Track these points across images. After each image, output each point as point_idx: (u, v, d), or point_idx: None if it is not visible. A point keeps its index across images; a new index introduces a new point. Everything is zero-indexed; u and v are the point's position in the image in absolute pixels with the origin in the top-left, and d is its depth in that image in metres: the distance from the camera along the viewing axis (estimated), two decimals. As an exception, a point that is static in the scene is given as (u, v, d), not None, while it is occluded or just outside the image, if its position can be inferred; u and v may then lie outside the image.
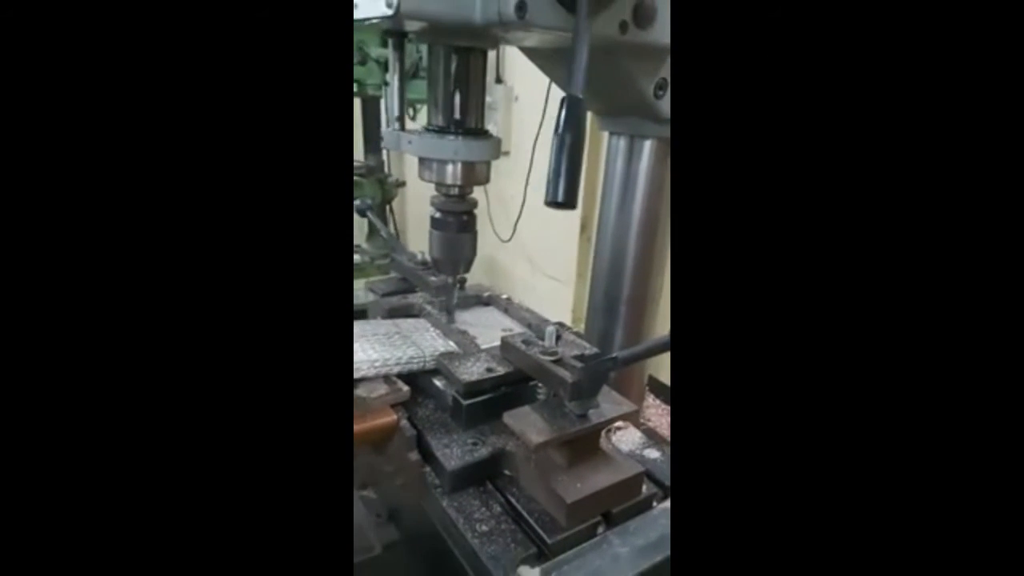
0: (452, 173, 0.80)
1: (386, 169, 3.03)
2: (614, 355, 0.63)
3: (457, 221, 0.85)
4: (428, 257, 1.10)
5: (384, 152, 3.03)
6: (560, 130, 0.58)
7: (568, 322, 2.34)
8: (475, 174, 0.81)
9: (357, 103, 2.86)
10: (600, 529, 0.68)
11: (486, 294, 1.07)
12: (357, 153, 2.95)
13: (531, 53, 1.02)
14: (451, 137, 0.78)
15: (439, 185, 0.83)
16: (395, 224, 3.19)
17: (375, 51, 2.52)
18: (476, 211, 0.88)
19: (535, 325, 0.95)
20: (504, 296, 1.07)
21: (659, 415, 1.91)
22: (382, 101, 2.94)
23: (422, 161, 0.81)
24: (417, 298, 1.02)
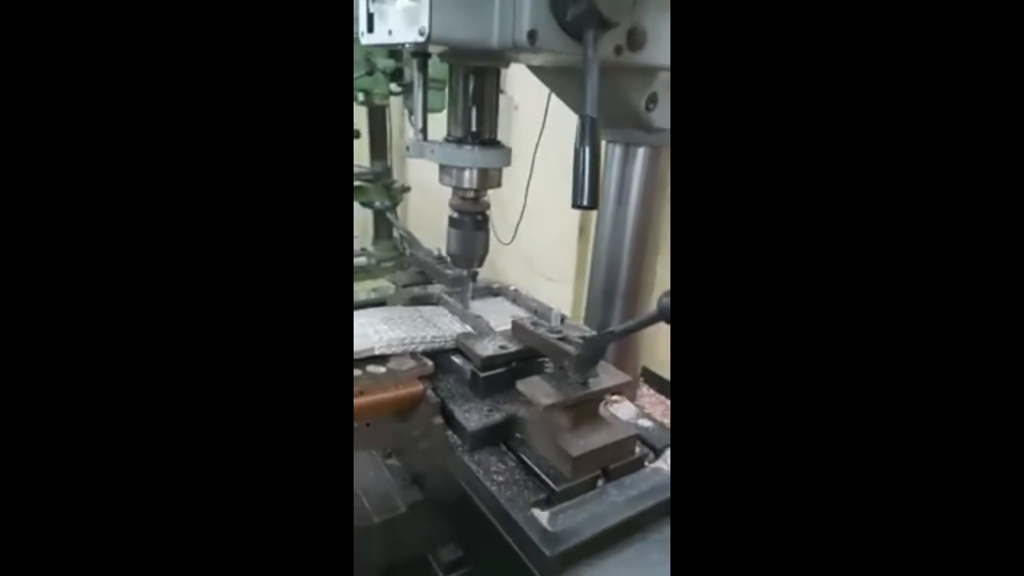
0: (469, 178, 0.91)
1: (392, 175, 3.15)
2: (611, 329, 0.74)
3: (472, 220, 0.96)
4: (443, 252, 1.21)
5: (389, 158, 3.15)
6: (580, 145, 0.69)
7: (567, 321, 2.46)
8: (488, 179, 0.93)
9: (364, 112, 2.98)
10: (600, 482, 0.79)
11: (496, 286, 1.18)
12: (365, 160, 3.06)
13: (537, 70, 1.14)
14: (468, 147, 0.89)
15: (457, 188, 0.94)
16: (399, 229, 3.30)
17: (382, 62, 2.64)
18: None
19: (540, 311, 1.06)
20: (512, 288, 1.18)
21: (652, 404, 2.02)
22: (387, 110, 3.06)
23: (442, 167, 0.92)
24: (435, 288, 1.13)
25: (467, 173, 0.91)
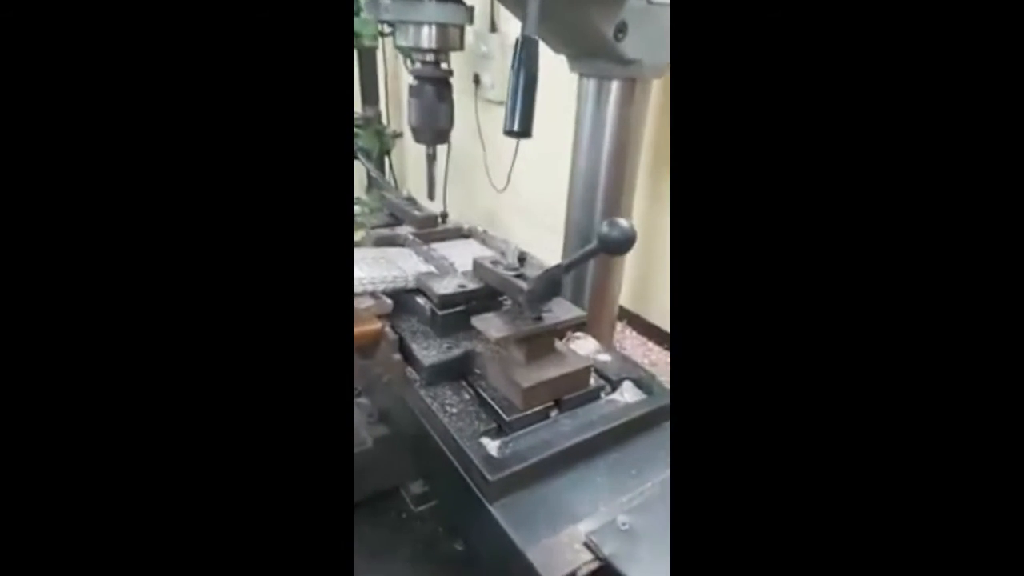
0: (428, 36, 0.85)
1: (384, 120, 3.08)
2: (559, 264, 0.74)
3: (434, 88, 0.90)
4: (412, 194, 1.20)
5: (382, 103, 3.08)
6: (517, 67, 0.67)
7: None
8: (449, 38, 0.87)
9: (354, 54, 2.89)
10: (553, 413, 0.81)
11: (466, 227, 1.18)
12: (356, 104, 3.00)
13: None
14: (426, 0, 0.83)
15: (415, 51, 0.88)
16: (393, 175, 3.27)
17: (369, 1, 2.54)
18: (452, 80, 0.92)
19: (506, 252, 1.06)
20: (482, 229, 1.17)
21: (634, 345, 2.03)
22: (378, 52, 2.97)
23: (398, 27, 0.87)
24: (403, 230, 1.13)
25: (425, 30, 0.85)
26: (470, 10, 0.87)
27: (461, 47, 0.90)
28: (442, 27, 0.85)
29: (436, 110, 0.92)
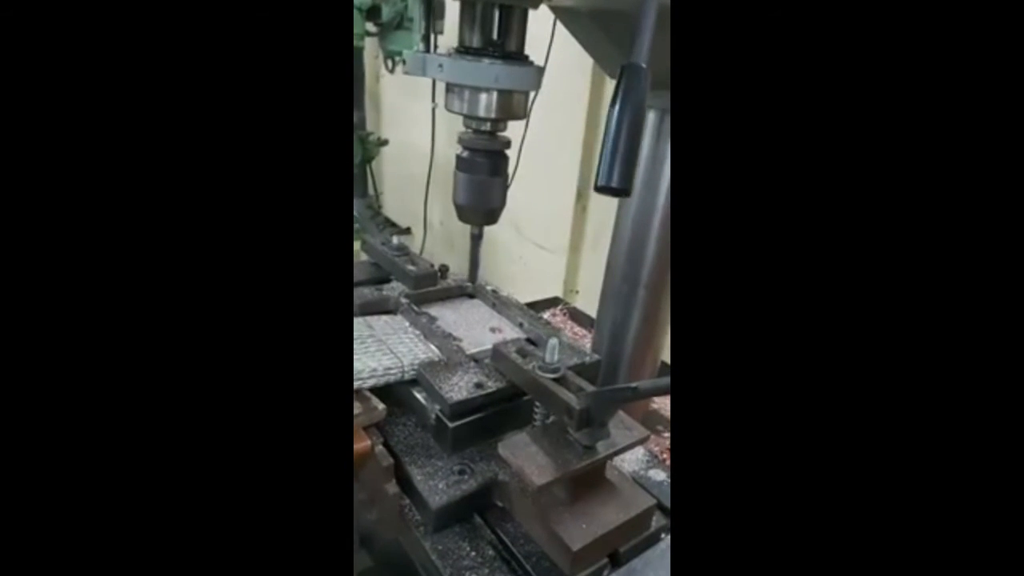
0: (486, 104, 0.67)
1: (367, 126, 2.83)
2: (634, 385, 0.52)
3: (488, 162, 0.72)
4: (401, 240, 0.97)
5: (365, 108, 2.82)
6: (618, 104, 0.46)
7: (559, 294, 2.23)
8: (513, 106, 0.68)
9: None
10: (605, 572, 0.59)
11: (470, 286, 0.95)
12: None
13: (566, 16, 0.88)
14: (488, 61, 0.64)
15: (469, 118, 0.69)
16: (375, 186, 3.02)
17: (358, -3, 2.30)
18: (504, 153, 0.75)
19: (526, 325, 0.84)
20: (490, 288, 0.95)
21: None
22: (364, 53, 2.72)
23: (450, 89, 0.68)
24: (393, 290, 0.90)
25: (484, 97, 0.67)
26: (539, 71, 0.67)
27: (524, 115, 0.71)
28: (507, 94, 0.66)
29: (489, 187, 0.73)
